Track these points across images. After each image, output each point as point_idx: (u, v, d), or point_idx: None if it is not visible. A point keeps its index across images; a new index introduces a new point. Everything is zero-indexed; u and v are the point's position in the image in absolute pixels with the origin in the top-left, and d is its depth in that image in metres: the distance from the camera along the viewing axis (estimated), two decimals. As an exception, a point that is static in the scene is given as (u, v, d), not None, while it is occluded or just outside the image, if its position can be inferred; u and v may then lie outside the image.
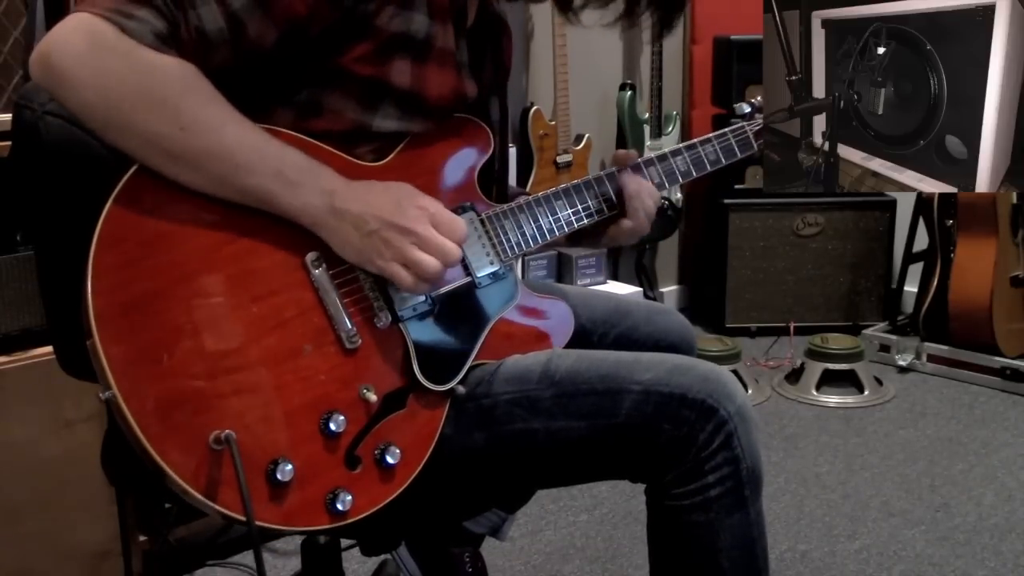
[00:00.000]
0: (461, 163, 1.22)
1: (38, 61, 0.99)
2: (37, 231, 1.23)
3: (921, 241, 3.35)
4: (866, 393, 3.07)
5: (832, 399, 3.05)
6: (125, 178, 1.00)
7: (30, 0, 1.85)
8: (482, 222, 1.22)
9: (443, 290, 1.16)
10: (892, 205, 3.58)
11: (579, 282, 3.21)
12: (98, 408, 1.71)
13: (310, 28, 1.07)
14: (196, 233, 1.03)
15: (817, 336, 3.19)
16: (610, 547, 2.20)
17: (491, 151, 1.25)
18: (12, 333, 1.78)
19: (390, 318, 1.12)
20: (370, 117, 1.13)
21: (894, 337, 3.36)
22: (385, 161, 1.16)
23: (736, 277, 3.59)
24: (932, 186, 2.67)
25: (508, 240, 1.23)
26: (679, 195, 3.55)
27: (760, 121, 1.44)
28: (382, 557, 1.85)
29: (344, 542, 1.38)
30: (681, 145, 1.38)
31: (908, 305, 3.55)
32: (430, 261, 1.08)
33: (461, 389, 1.16)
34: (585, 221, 1.30)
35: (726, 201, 3.54)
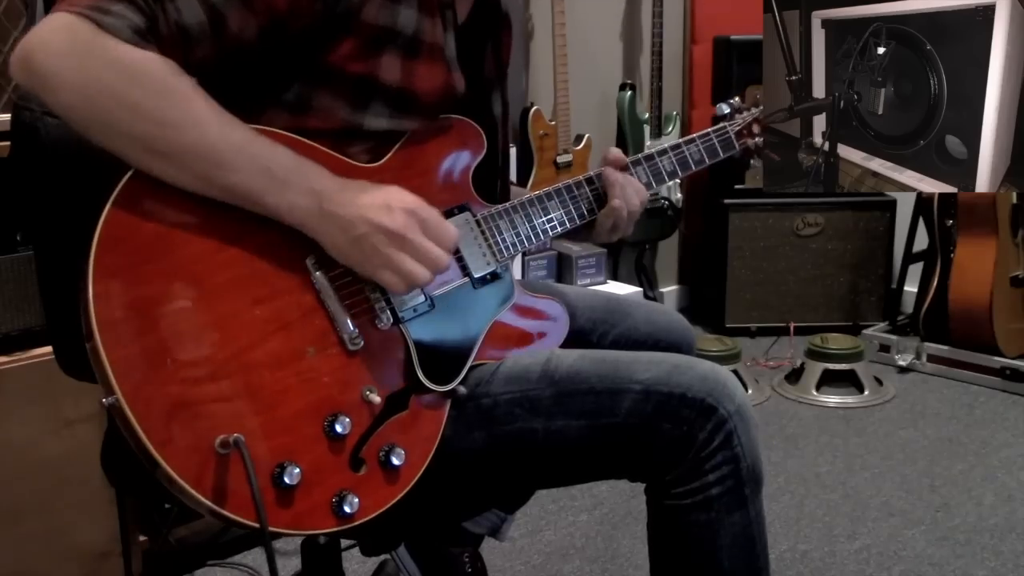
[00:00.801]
0: (455, 164, 1.22)
1: (20, 62, 0.98)
2: (37, 231, 1.23)
3: (921, 241, 3.35)
4: (866, 393, 3.07)
5: (832, 399, 3.05)
6: (124, 180, 1.00)
7: (30, 0, 1.85)
8: (478, 222, 1.22)
9: (441, 290, 1.17)
10: (892, 205, 3.58)
11: (579, 282, 3.21)
12: (98, 408, 1.71)
13: (291, 22, 1.06)
14: (197, 235, 1.02)
15: (817, 336, 3.19)
16: (610, 547, 2.20)
17: (485, 151, 1.24)
18: (12, 333, 1.78)
19: (391, 319, 1.12)
20: (360, 116, 1.13)
21: (894, 337, 3.36)
22: (380, 163, 1.15)
23: (736, 277, 3.59)
24: (932, 186, 2.67)
25: (504, 240, 1.24)
26: (679, 195, 3.55)
27: (739, 121, 1.45)
28: (382, 557, 1.85)
29: (344, 542, 1.38)
30: (667, 145, 1.40)
31: (908, 305, 3.55)
32: (419, 269, 1.07)
33: (462, 390, 1.16)
34: (577, 221, 1.31)
35: (726, 201, 3.54)
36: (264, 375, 1.02)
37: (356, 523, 1.05)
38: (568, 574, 2.10)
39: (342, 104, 1.12)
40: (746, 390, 2.74)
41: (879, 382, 3.14)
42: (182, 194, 1.01)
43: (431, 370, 1.13)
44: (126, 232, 0.98)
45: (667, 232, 3.62)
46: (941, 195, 3.19)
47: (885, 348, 3.35)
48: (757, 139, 1.48)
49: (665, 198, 3.47)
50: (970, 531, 2.26)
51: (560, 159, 3.21)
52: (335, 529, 1.04)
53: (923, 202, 3.32)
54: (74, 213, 1.03)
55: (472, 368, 1.19)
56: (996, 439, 2.77)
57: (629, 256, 3.69)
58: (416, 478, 1.10)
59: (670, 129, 3.51)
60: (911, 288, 3.51)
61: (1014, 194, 3.06)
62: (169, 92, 0.99)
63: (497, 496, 1.47)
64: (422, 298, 1.14)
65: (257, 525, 0.98)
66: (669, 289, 3.94)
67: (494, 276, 1.23)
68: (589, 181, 1.32)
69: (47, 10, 1.96)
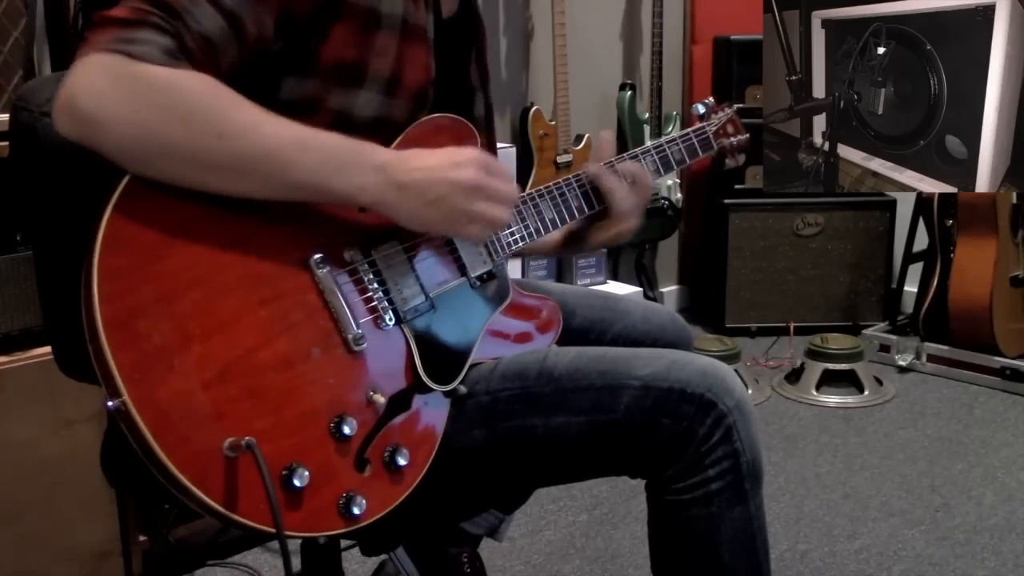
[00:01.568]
0: None
1: (64, 112, 0.97)
2: (36, 232, 1.23)
3: (921, 241, 3.35)
4: (866, 393, 3.07)
5: (832, 399, 3.05)
6: (124, 181, 0.99)
7: (30, 0, 1.85)
8: None
9: (439, 289, 1.17)
10: (892, 205, 3.58)
11: (579, 282, 3.22)
12: (98, 408, 1.71)
13: (299, 8, 1.07)
14: (200, 235, 1.01)
15: (817, 336, 3.19)
16: (610, 547, 2.20)
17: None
18: (12, 333, 1.78)
19: (394, 319, 1.12)
20: (352, 102, 1.13)
21: (894, 337, 3.36)
22: None
23: (736, 277, 3.59)
24: (932, 186, 2.68)
25: (500, 239, 1.24)
26: (679, 195, 3.55)
27: (715, 121, 1.48)
28: (381, 557, 1.85)
29: (344, 542, 1.38)
30: (649, 144, 1.41)
31: (908, 305, 3.55)
32: (501, 211, 1.11)
33: (463, 389, 1.17)
34: (568, 219, 1.31)
35: (726, 201, 3.54)
36: (270, 376, 1.02)
37: (363, 524, 1.04)
38: (568, 574, 2.10)
39: (334, 93, 1.12)
40: (746, 390, 2.74)
41: (879, 382, 3.14)
42: (183, 194, 1.01)
43: (433, 370, 1.13)
44: (129, 234, 0.98)
45: (667, 232, 3.62)
46: (941, 195, 3.19)
47: (885, 348, 3.35)
48: (732, 139, 1.51)
49: (665, 198, 3.47)
50: (970, 531, 2.26)
51: (560, 159, 3.21)
52: (343, 530, 1.04)
53: (923, 202, 3.32)
54: (73, 213, 1.03)
55: (471, 367, 1.19)
56: (996, 439, 2.77)
57: (629, 256, 3.69)
58: (420, 477, 1.10)
59: (670, 129, 3.51)
60: (911, 288, 3.51)
61: (1014, 194, 3.06)
62: (216, 103, 0.99)
63: (496, 495, 1.47)
64: (422, 298, 1.15)
65: (269, 529, 0.97)
66: (669, 289, 3.95)
67: (490, 276, 1.23)
68: (578, 181, 1.32)
69: (47, 10, 1.97)
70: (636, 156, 1.37)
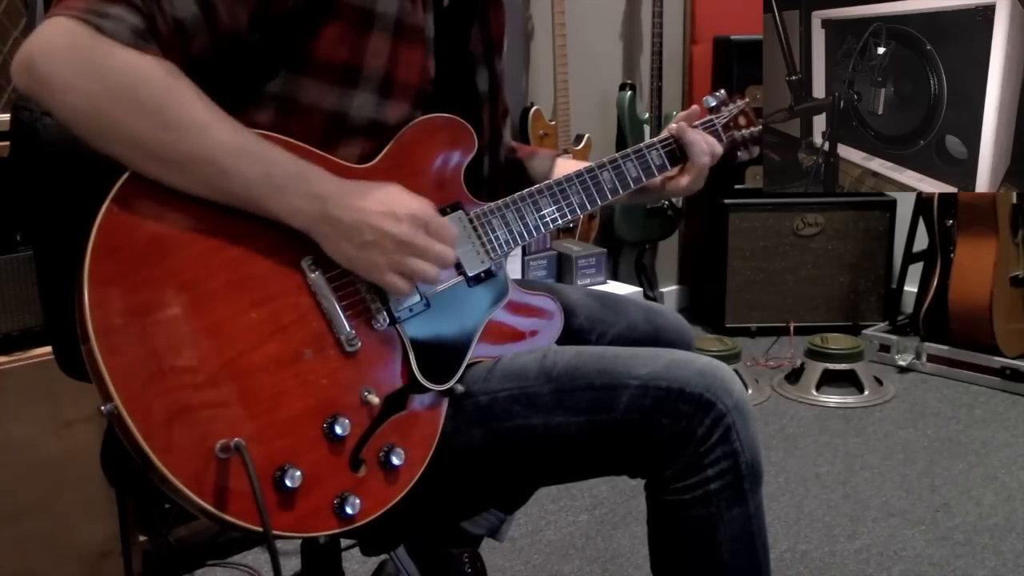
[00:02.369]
0: (446, 162, 1.21)
1: (21, 68, 0.97)
2: (36, 231, 1.23)
3: (921, 241, 3.35)
4: (866, 393, 3.07)
5: (832, 399, 3.05)
6: (116, 186, 0.99)
7: (30, 0, 1.85)
8: (470, 220, 1.22)
9: (437, 289, 1.16)
10: (892, 205, 3.58)
11: (579, 282, 3.21)
12: (98, 408, 1.71)
13: (278, 5, 1.06)
14: (191, 240, 1.02)
15: (817, 336, 3.19)
16: (610, 547, 2.20)
17: (475, 149, 1.24)
18: (12, 333, 1.78)
19: (387, 320, 1.12)
20: (346, 105, 1.12)
21: (894, 337, 3.36)
22: (371, 164, 1.15)
23: (736, 277, 3.59)
24: (932, 186, 2.68)
25: (497, 238, 1.23)
26: (679, 195, 3.55)
27: (725, 114, 1.48)
28: (381, 557, 1.85)
29: (344, 542, 1.38)
30: (655, 140, 1.41)
31: (908, 305, 3.55)
32: (428, 268, 1.09)
33: (460, 388, 1.16)
34: (568, 215, 1.30)
35: (726, 201, 3.54)
36: (262, 378, 1.02)
37: (357, 524, 1.05)
38: (568, 574, 2.10)
39: (328, 93, 1.11)
40: (746, 390, 2.74)
41: (879, 382, 3.14)
42: (174, 199, 1.01)
43: (428, 369, 1.13)
44: (119, 240, 0.98)
45: (667, 232, 3.62)
46: (941, 195, 3.19)
47: (885, 348, 3.35)
48: (744, 131, 1.49)
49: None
50: (970, 531, 2.26)
51: (560, 159, 3.21)
52: (337, 530, 1.04)
53: (923, 202, 3.32)
54: (73, 213, 1.03)
55: (469, 366, 1.19)
56: (996, 439, 2.77)
57: (629, 256, 3.69)
58: (416, 477, 1.10)
59: (670, 129, 3.51)
60: (911, 288, 3.51)
61: (1014, 194, 3.06)
62: (170, 97, 0.99)
63: (496, 495, 1.47)
64: (418, 297, 1.14)
65: (259, 529, 0.98)
66: (669, 289, 3.95)
67: (488, 274, 1.23)
68: (579, 176, 1.32)
69: (47, 10, 1.97)
70: (641, 151, 1.37)
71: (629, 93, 3.42)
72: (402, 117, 1.18)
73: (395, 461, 1.07)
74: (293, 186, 1.03)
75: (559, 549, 2.19)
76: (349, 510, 1.03)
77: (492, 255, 1.23)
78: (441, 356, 1.16)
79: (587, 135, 3.31)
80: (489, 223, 1.23)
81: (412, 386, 1.12)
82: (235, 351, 1.01)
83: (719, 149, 1.43)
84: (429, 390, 1.13)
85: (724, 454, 1.12)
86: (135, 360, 0.96)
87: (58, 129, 1.11)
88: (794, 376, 3.17)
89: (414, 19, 1.17)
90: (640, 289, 3.50)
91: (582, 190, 1.31)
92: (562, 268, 3.29)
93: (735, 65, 3.47)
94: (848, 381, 3.10)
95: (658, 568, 1.21)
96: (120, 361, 0.95)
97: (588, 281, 3.23)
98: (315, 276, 1.07)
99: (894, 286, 3.61)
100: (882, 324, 3.52)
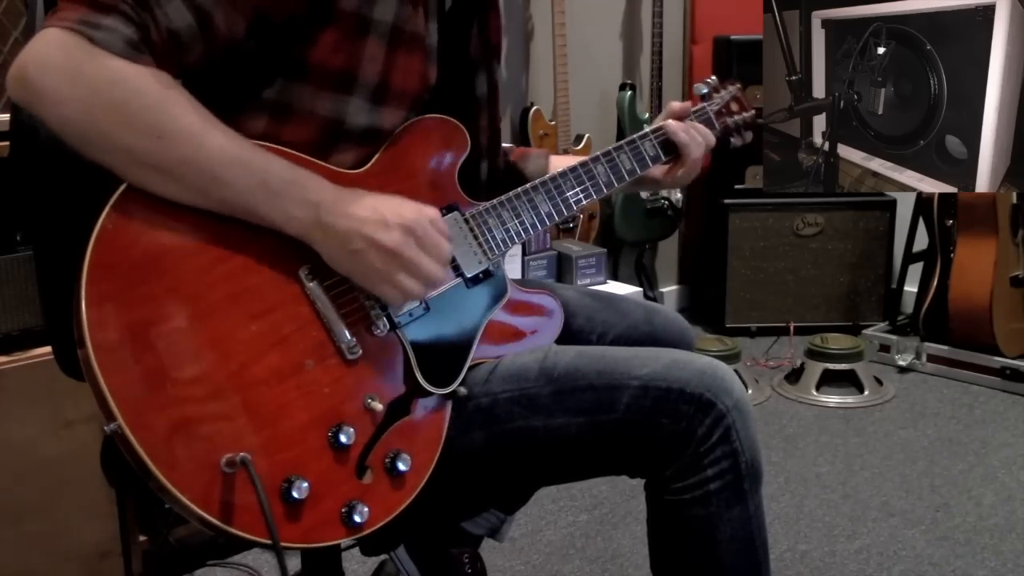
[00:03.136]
0: (440, 164, 1.21)
1: (15, 79, 0.98)
2: (36, 232, 1.23)
3: (921, 241, 3.35)
4: (866, 393, 3.07)
5: (832, 399, 3.05)
6: (112, 200, 0.99)
7: (30, 0, 1.85)
8: (466, 221, 1.21)
9: (435, 292, 1.16)
10: (892, 205, 3.58)
11: (579, 282, 3.21)
12: (98, 409, 1.71)
13: (275, 13, 1.05)
14: (188, 253, 1.01)
15: (817, 336, 3.19)
16: (610, 547, 2.20)
17: (468, 149, 1.23)
18: (12, 333, 1.78)
19: (388, 325, 1.11)
20: (342, 111, 1.12)
21: (894, 337, 3.36)
22: (364, 168, 1.14)
23: (736, 277, 3.59)
24: (932, 186, 2.68)
25: (495, 237, 1.23)
26: (679, 195, 3.55)
27: (717, 101, 1.48)
28: (382, 557, 1.85)
29: (344, 542, 1.38)
30: (648, 129, 1.41)
31: (908, 305, 3.55)
32: (414, 284, 1.08)
33: (463, 391, 1.16)
34: (564, 212, 1.30)
35: (726, 201, 3.54)
36: (264, 391, 1.01)
37: (366, 532, 1.04)
38: (568, 574, 2.10)
39: (324, 99, 1.11)
40: (746, 390, 2.74)
41: (879, 382, 3.14)
42: (169, 211, 1.01)
43: (430, 373, 1.13)
44: (116, 258, 0.97)
45: (667, 232, 3.62)
46: (941, 195, 3.19)
47: (885, 348, 3.35)
48: (736, 117, 1.48)
49: (665, 198, 3.47)
50: (970, 531, 2.26)
51: (560, 159, 3.21)
52: (346, 539, 1.04)
53: (923, 202, 3.32)
54: (73, 213, 1.03)
55: (470, 368, 1.18)
56: (996, 439, 2.77)
57: (629, 256, 3.69)
58: (423, 482, 1.10)
59: (670, 129, 3.51)
60: (911, 288, 3.51)
61: (1014, 194, 3.06)
62: (163, 106, 0.99)
63: (497, 495, 1.47)
64: (416, 301, 1.14)
65: (268, 541, 0.97)
66: (669, 289, 3.94)
67: (487, 274, 1.22)
68: (573, 171, 1.31)
69: (47, 10, 1.97)
70: (634, 142, 1.37)
71: (629, 93, 3.42)
72: (399, 123, 1.17)
73: (401, 467, 1.07)
74: (288, 193, 1.03)
75: (559, 549, 2.19)
76: (357, 518, 1.03)
77: (490, 255, 1.22)
78: (443, 359, 1.15)
79: (587, 135, 3.31)
80: (485, 223, 1.22)
81: (415, 391, 1.12)
82: (237, 365, 1.01)
83: (712, 139, 1.42)
84: (432, 394, 1.13)
85: (724, 454, 1.12)
86: (137, 378, 0.95)
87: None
88: (794, 376, 3.17)
89: (413, 26, 1.16)
90: (640, 289, 3.50)
91: (577, 184, 1.30)
92: (562, 268, 3.29)
93: (735, 65, 3.47)
94: (848, 381, 3.10)
95: (658, 568, 1.21)
96: (122, 380, 0.94)
97: (588, 281, 3.23)
98: (313, 285, 1.07)
99: (894, 286, 3.61)
100: (882, 324, 3.52)
